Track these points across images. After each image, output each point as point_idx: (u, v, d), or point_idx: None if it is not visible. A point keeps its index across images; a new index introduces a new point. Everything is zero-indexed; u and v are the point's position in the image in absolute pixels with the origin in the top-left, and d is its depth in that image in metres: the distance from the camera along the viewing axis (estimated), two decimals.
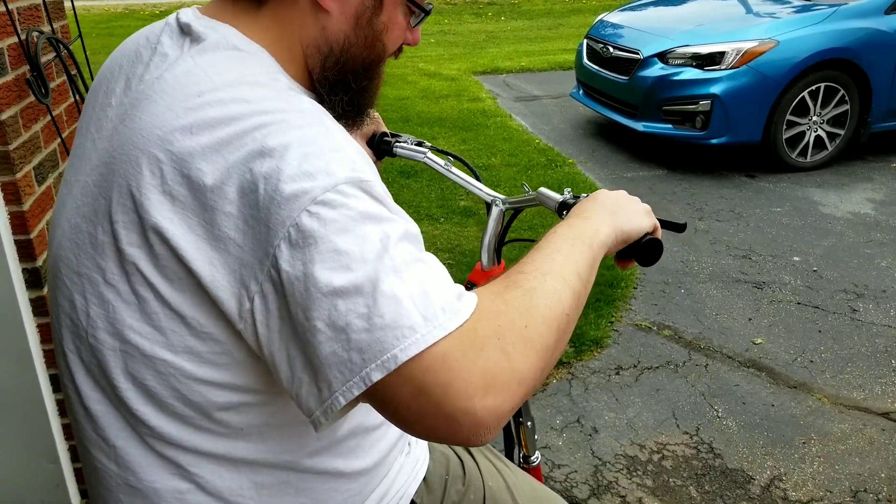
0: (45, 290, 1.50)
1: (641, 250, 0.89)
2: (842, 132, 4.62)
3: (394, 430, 0.84)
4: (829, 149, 4.64)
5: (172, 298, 0.63)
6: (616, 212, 0.86)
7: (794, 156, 4.59)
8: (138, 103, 0.67)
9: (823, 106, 4.52)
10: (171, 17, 0.74)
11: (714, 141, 4.49)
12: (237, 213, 0.59)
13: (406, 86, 7.44)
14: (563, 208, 1.05)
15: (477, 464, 0.98)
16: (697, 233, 3.83)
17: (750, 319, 2.96)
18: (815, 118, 4.53)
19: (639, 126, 4.73)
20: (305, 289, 0.57)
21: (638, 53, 4.69)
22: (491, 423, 0.58)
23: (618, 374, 2.59)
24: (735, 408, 2.39)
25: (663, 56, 4.58)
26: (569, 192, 1.07)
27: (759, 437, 2.25)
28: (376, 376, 0.57)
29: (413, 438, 0.89)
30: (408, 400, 0.58)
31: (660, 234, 0.94)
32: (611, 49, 4.97)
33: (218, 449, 0.70)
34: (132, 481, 0.71)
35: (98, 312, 0.67)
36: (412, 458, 0.88)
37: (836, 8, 4.44)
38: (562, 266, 0.72)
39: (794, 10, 4.64)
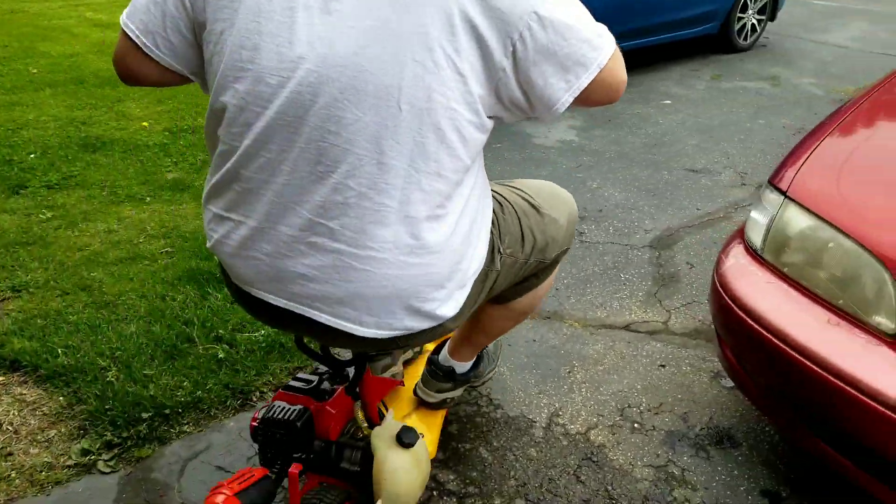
0: None
1: None
2: None
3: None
4: None
5: (464, 68, 1.00)
6: None
7: None
8: None
9: None
10: None
11: None
12: None
13: (73, 40, 6.29)
14: None
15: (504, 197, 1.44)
16: None
17: None
18: None
19: None
20: (556, 31, 1.01)
21: None
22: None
23: None
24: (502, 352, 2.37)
25: None
26: None
27: (530, 377, 2.25)
28: (594, 72, 1.07)
29: None
30: (603, 84, 1.10)
31: None
32: None
33: (462, 180, 1.12)
34: (407, 211, 1.06)
35: (411, 83, 0.98)
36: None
37: None
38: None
39: None
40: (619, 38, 1.17)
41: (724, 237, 3.22)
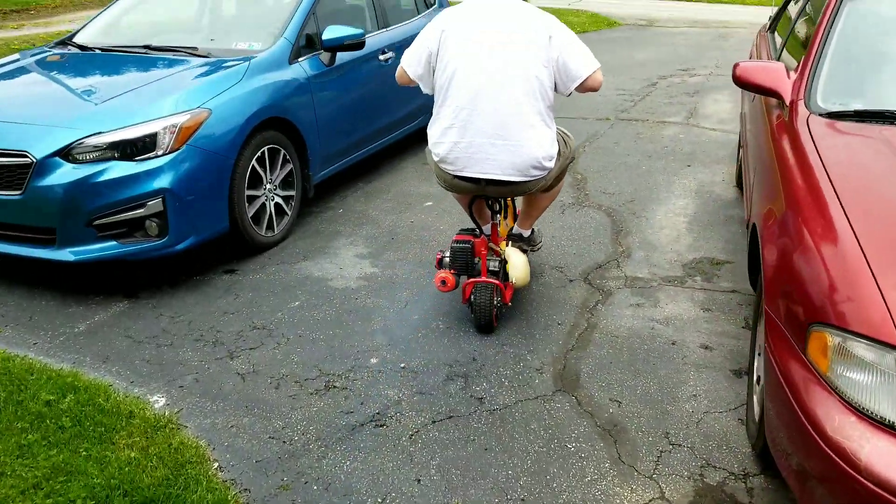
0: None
1: None
2: (293, 193, 4.17)
3: None
4: (290, 213, 4.15)
5: (548, 63, 2.83)
6: None
7: (263, 233, 3.91)
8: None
9: (272, 171, 3.96)
10: None
11: (180, 246, 3.41)
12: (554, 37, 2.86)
13: None
14: None
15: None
16: (238, 380, 2.77)
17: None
18: (269, 186, 3.93)
19: (68, 255, 3.23)
20: (563, 44, 2.84)
21: (25, 155, 3.15)
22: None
23: None
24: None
25: (67, 153, 3.18)
26: None
27: None
28: (585, 74, 2.89)
29: None
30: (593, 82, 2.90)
31: None
32: None
33: (550, 110, 2.88)
34: (533, 122, 2.81)
35: (529, 74, 2.79)
36: None
37: (247, 62, 3.87)
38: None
39: (204, 70, 3.84)
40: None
41: (610, 352, 2.91)
